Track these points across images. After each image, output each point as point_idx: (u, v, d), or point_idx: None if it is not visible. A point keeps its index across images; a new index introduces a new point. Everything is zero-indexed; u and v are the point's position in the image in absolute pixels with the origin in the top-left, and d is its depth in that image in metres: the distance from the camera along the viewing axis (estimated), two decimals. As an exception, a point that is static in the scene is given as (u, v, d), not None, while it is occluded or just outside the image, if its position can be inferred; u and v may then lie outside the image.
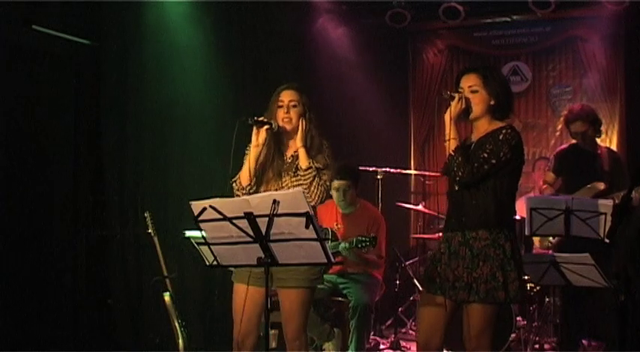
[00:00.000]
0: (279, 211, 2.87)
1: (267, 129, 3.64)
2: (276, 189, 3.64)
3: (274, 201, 2.87)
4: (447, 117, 3.44)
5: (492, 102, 3.45)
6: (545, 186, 5.32)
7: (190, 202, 3.03)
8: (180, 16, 5.58)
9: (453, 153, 3.40)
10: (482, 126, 3.49)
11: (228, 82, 5.82)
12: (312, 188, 3.59)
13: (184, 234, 4.66)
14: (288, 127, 3.68)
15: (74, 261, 5.05)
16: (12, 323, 4.54)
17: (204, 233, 3.06)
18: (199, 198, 3.04)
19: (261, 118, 3.65)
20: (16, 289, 4.61)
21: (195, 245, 4.24)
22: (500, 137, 3.38)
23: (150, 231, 4.82)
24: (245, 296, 3.59)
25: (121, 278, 5.28)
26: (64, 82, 5.03)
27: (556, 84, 7.42)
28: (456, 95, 3.44)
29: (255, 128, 3.65)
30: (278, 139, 3.74)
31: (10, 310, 4.56)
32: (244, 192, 3.65)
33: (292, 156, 3.71)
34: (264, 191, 3.66)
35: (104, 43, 5.21)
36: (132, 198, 5.31)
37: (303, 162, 3.62)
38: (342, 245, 4.88)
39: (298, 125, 3.67)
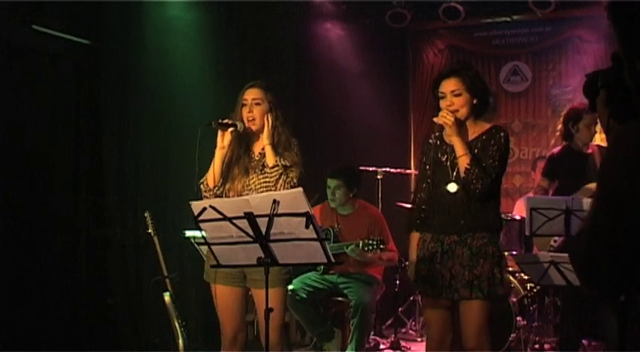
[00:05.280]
0: (279, 211, 2.87)
1: (232, 132, 3.63)
2: (243, 187, 3.62)
3: (274, 201, 2.87)
4: (455, 138, 3.39)
5: (475, 102, 3.46)
6: (540, 193, 5.31)
7: (190, 202, 3.03)
8: (181, 16, 5.59)
9: (469, 167, 3.35)
10: (470, 128, 3.49)
11: (228, 82, 5.81)
12: (279, 186, 3.57)
13: (184, 234, 4.65)
14: (253, 126, 3.66)
15: (74, 261, 5.05)
16: (12, 323, 4.54)
17: (204, 233, 3.06)
18: (199, 198, 3.04)
19: (225, 120, 3.63)
20: (16, 289, 4.61)
21: (195, 245, 4.24)
22: (502, 141, 3.42)
23: (150, 231, 4.82)
24: (227, 295, 3.66)
25: (121, 278, 5.28)
26: (64, 82, 5.03)
27: (556, 84, 7.41)
28: (447, 114, 3.42)
29: (220, 130, 3.65)
30: (246, 137, 3.72)
31: (10, 310, 4.55)
32: (211, 193, 3.64)
33: (260, 153, 3.69)
34: (230, 188, 3.65)
35: (104, 43, 5.20)
36: (132, 198, 5.31)
37: (270, 159, 3.60)
38: (351, 247, 4.87)
39: (263, 123, 3.65)
